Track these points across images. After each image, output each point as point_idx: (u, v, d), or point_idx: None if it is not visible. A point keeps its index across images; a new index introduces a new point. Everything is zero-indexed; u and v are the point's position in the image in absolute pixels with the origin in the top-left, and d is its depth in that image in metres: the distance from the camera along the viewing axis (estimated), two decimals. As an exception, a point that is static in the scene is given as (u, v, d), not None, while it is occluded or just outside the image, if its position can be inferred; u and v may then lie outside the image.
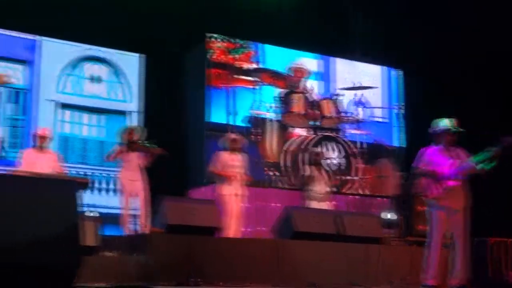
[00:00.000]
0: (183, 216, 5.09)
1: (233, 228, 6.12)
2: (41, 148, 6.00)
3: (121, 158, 6.30)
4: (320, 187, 6.69)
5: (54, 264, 2.44)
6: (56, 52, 8.14)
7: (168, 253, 4.69)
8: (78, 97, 8.31)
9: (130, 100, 8.54)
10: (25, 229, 2.41)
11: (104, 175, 8.08)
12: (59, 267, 2.46)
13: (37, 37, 7.99)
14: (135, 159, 6.16)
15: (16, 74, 7.83)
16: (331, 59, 9.21)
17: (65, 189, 2.76)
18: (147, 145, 6.05)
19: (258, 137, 7.86)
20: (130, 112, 8.50)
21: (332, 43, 9.20)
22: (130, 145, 6.20)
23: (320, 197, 6.63)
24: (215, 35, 8.29)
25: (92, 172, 8.04)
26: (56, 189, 2.73)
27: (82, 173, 7.87)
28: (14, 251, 2.35)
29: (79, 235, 2.67)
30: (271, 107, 7.97)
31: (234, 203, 6.18)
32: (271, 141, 7.95)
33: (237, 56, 8.42)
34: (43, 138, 6.03)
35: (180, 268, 4.59)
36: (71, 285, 2.59)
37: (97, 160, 8.05)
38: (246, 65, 8.40)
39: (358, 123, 8.23)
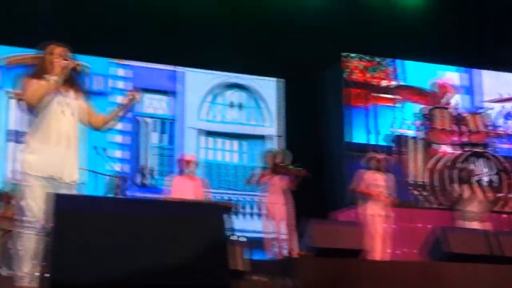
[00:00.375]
0: (329, 239, 5.13)
1: (379, 250, 5.99)
2: (188, 174, 6.12)
3: (265, 182, 6.39)
4: (473, 206, 6.38)
5: (205, 287, 2.48)
6: (197, 81, 8.57)
7: (316, 277, 4.65)
8: (220, 124, 8.65)
9: (270, 124, 8.74)
10: (177, 253, 2.49)
11: (247, 199, 8.28)
12: (209, 290, 2.59)
13: (179, 68, 8.48)
14: (279, 183, 6.27)
15: (161, 104, 8.41)
16: (475, 71, 8.89)
17: (213, 213, 2.81)
18: (291, 167, 6.16)
19: (402, 156, 7.79)
20: (270, 136, 8.69)
21: (476, 55, 8.79)
22: (274, 169, 6.30)
23: (473, 216, 6.29)
24: (351, 54, 8.38)
25: (236, 197, 8.28)
26: (205, 213, 2.80)
27: (226, 198, 8.12)
28: (166, 273, 2.41)
29: (228, 259, 2.71)
30: (413, 124, 7.95)
31: (378, 223, 6.06)
32: (415, 160, 7.83)
33: (375, 74, 8.43)
34: (190, 163, 6.16)
35: (328, 291, 4.61)
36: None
37: (239, 185, 8.24)
38: (385, 83, 8.37)
39: (508, 136, 8.03)
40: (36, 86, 3.32)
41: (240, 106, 8.77)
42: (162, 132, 8.41)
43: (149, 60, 8.33)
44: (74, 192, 3.33)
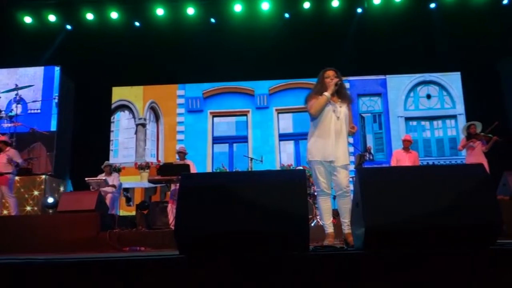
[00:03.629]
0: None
1: None
2: (406, 149, 8.06)
3: (465, 147, 7.85)
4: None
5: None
6: (398, 83, 11.08)
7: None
8: (420, 111, 10.90)
9: (454, 106, 10.83)
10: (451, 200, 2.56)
11: (452, 163, 10.35)
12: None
13: (383, 76, 11.18)
14: (477, 147, 7.69)
15: (375, 103, 11.27)
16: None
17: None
18: (483, 134, 7.60)
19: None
20: (456, 115, 10.83)
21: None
22: (471, 137, 7.72)
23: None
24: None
25: (441, 162, 10.45)
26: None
27: (432, 163, 10.43)
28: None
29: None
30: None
31: None
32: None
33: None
34: (408, 142, 8.09)
35: None
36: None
37: (441, 153, 10.53)
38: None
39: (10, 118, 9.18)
40: (314, 101, 4.09)
41: (431, 96, 10.93)
42: (376, 122, 11.16)
43: (362, 74, 11.04)
44: (345, 171, 4.02)
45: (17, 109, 9.61)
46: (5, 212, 7.83)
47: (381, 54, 10.46)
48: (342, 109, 4.09)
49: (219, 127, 11.22)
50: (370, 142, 10.91)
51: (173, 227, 6.94)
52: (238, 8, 10.68)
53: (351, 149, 10.03)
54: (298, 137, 10.73)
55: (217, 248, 2.58)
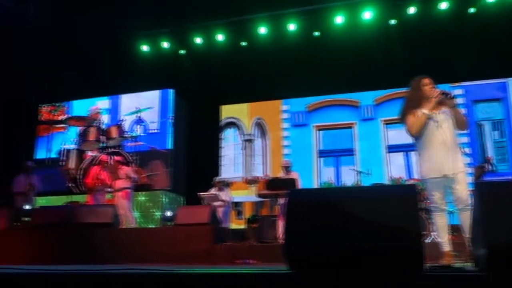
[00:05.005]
0: None
1: None
2: None
3: None
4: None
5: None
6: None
7: None
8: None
9: None
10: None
11: None
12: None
13: (503, 79, 10.23)
14: None
15: (493, 110, 10.32)
16: (115, 96, 11.92)
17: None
18: None
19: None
20: None
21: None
22: None
23: None
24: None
25: None
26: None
27: None
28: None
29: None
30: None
31: None
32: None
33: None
34: None
35: None
36: None
37: None
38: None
39: (133, 138, 10.04)
40: (413, 120, 3.89)
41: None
42: (494, 129, 10.18)
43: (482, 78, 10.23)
44: (463, 182, 3.77)
45: (138, 130, 10.45)
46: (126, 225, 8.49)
47: (499, 56, 9.66)
48: (441, 116, 3.87)
49: (324, 140, 11.16)
50: (490, 152, 10.06)
51: (282, 241, 7.03)
52: (339, 20, 10.61)
53: (468, 159, 9.39)
54: (408, 149, 10.25)
55: (326, 264, 2.55)
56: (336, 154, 10.97)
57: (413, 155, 10.15)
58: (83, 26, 11.75)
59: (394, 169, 10.50)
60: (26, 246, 6.95)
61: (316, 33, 10.89)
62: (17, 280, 2.60)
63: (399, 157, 10.48)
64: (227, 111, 11.92)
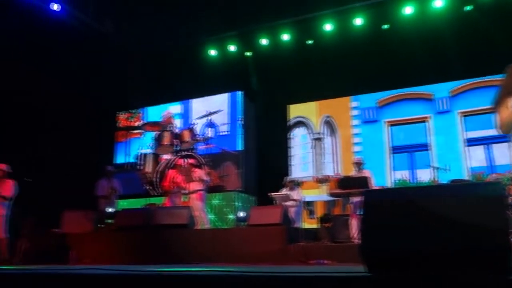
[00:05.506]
0: None
1: None
2: None
3: None
4: None
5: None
6: None
7: None
8: None
9: None
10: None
11: None
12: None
13: None
14: None
15: None
16: (186, 101, 12.21)
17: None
18: None
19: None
20: None
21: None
22: None
23: None
24: None
25: None
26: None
27: None
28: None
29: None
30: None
31: None
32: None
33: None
34: None
35: None
36: None
37: None
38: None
39: (205, 140, 10.54)
40: (505, 114, 3.44)
41: None
42: None
43: None
44: None
45: (209, 133, 10.70)
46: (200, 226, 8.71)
47: None
48: None
49: (396, 136, 10.79)
50: None
51: (355, 241, 6.89)
52: (408, 10, 10.24)
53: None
54: (489, 141, 9.65)
55: (406, 267, 2.45)
56: (410, 150, 10.57)
57: (495, 147, 9.55)
58: (154, 36, 12.25)
59: (475, 163, 9.92)
60: (109, 246, 7.35)
61: (385, 26, 10.57)
62: (105, 280, 2.74)
63: (479, 151, 9.89)
64: (295, 111, 11.88)
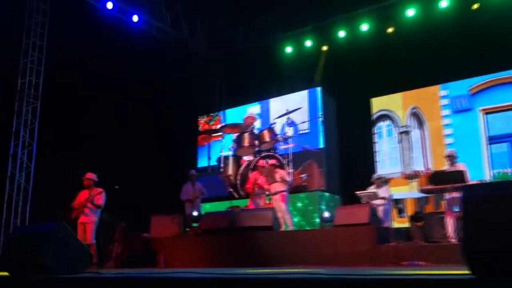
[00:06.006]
0: None
1: None
2: None
3: None
4: None
5: None
6: None
7: None
8: None
9: None
10: None
11: None
12: None
13: None
14: None
15: None
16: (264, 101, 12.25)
17: None
18: None
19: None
20: None
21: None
22: None
23: None
24: None
25: None
26: None
27: None
28: None
29: None
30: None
31: None
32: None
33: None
34: None
35: None
36: None
37: None
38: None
39: (284, 140, 9.99)
40: None
41: None
42: None
43: None
44: None
45: (289, 131, 10.71)
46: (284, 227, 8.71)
47: None
48: None
49: (494, 125, 10.08)
50: None
51: (452, 240, 6.54)
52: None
53: None
54: None
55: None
56: (510, 139, 9.83)
57: None
58: (228, 37, 12.50)
59: None
60: (196, 250, 7.60)
61: (475, 5, 9.93)
62: (198, 284, 2.82)
63: None
64: (379, 104, 11.54)
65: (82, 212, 7.89)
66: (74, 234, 5.01)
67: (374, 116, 11.51)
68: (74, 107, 10.75)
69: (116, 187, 9.91)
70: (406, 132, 11.05)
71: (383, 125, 11.43)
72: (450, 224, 7.00)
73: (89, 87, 10.68)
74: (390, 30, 10.95)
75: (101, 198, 7.94)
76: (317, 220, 9.75)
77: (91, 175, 8.14)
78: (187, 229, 8.94)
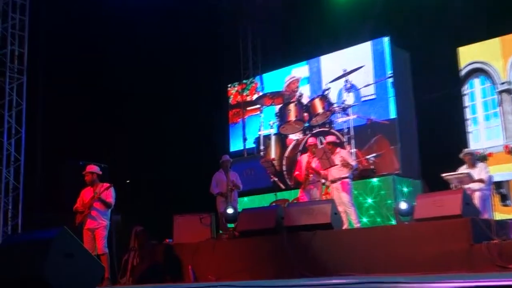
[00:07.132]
0: None
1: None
2: None
3: None
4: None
5: None
6: None
7: None
8: None
9: None
10: None
11: None
12: None
13: None
14: None
15: None
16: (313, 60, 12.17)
17: None
18: None
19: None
20: None
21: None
22: None
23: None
24: None
25: None
26: None
27: None
28: None
29: None
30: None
31: None
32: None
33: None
34: None
35: None
36: None
37: None
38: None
39: (343, 110, 10.35)
40: None
41: None
42: None
43: None
44: None
45: (349, 99, 10.52)
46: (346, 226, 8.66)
47: None
48: None
49: None
50: None
51: None
52: None
53: None
54: None
55: None
56: None
57: None
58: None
59: None
60: (232, 257, 7.65)
61: None
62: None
63: None
64: (469, 54, 11.31)
65: (89, 216, 7.93)
66: (80, 243, 5.11)
67: (463, 72, 11.30)
68: (69, 82, 10.94)
69: (128, 181, 10.07)
70: (509, 91, 10.76)
71: (476, 83, 11.17)
72: None
73: (88, 57, 10.83)
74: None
75: (110, 195, 7.99)
76: (391, 213, 9.66)
77: (92, 168, 8.21)
78: (220, 232, 9.02)
